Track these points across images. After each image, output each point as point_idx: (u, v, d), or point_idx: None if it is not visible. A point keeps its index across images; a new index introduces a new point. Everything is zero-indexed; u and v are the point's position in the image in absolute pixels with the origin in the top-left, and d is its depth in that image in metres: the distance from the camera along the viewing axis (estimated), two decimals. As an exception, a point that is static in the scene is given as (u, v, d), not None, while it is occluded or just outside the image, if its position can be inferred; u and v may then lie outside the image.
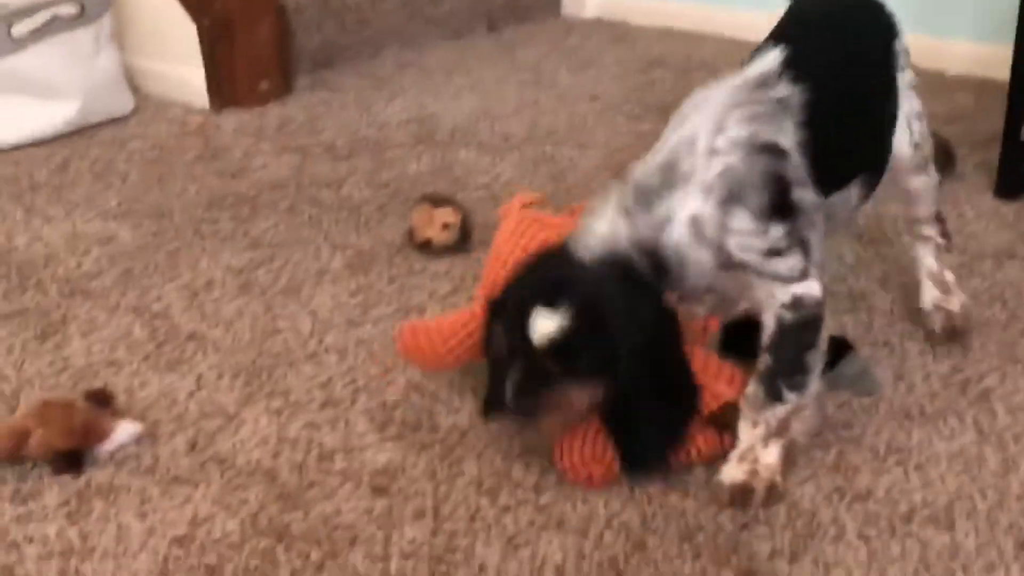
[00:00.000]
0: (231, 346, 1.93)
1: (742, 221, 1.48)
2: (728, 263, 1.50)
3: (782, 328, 1.53)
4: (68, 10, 2.80)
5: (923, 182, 1.84)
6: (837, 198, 1.62)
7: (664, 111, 2.94)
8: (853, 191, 1.67)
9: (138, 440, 1.67)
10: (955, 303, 1.88)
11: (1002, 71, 2.54)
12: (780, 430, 1.55)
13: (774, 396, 1.54)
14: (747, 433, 1.56)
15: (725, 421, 1.58)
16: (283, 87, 3.08)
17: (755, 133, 1.51)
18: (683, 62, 3.33)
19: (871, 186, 1.72)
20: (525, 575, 1.44)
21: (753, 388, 1.55)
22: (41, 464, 1.62)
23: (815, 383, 1.56)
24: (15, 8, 2.73)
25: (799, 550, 1.47)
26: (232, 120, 2.91)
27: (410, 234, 2.24)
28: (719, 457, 1.58)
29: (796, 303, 1.52)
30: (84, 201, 2.46)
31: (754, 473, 1.54)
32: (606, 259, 1.47)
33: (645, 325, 1.47)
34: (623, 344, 1.46)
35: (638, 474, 1.56)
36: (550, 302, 1.45)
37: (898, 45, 1.78)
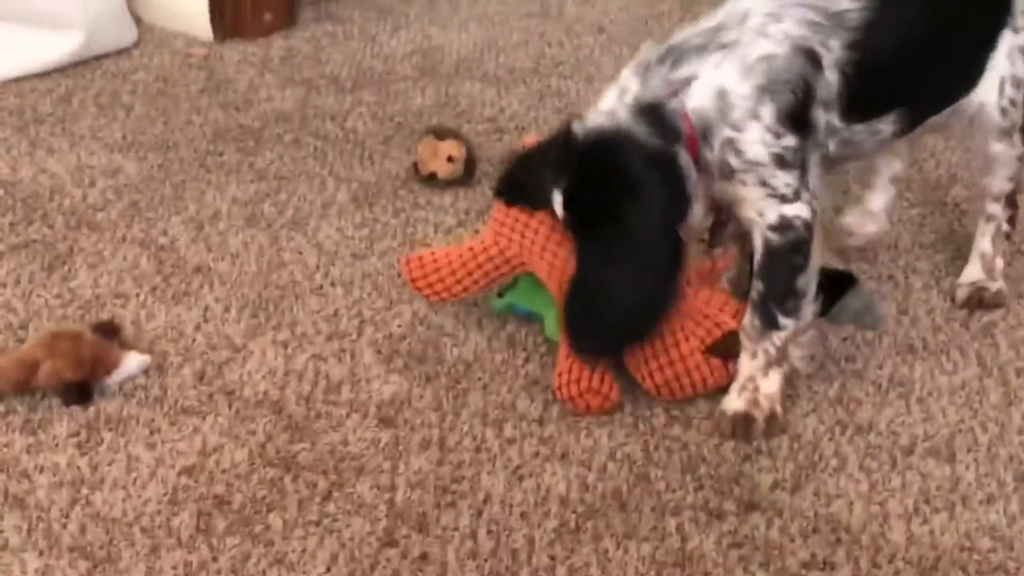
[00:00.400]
0: (237, 278, 1.93)
1: (767, 116, 1.48)
2: (727, 164, 1.50)
3: (769, 251, 1.53)
4: (70, -61, 2.76)
5: (1002, 149, 1.76)
6: (863, 127, 1.60)
7: (671, 43, 2.92)
8: (885, 124, 1.63)
9: (146, 372, 1.69)
10: (993, 287, 1.83)
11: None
12: (779, 358, 1.56)
13: (769, 323, 1.54)
14: (747, 364, 1.57)
15: (728, 350, 1.59)
16: (287, 18, 3.05)
17: (804, 37, 1.51)
18: (690, -6, 3.30)
19: (910, 123, 1.67)
20: (530, 505, 1.46)
21: (749, 318, 1.56)
22: (50, 395, 1.63)
23: (810, 308, 1.56)
24: (17, -63, 2.70)
25: (801, 482, 1.49)
26: (236, 52, 2.89)
27: (415, 167, 2.24)
28: (726, 387, 1.59)
29: (784, 224, 1.51)
30: (89, 133, 2.46)
31: (755, 403, 1.55)
32: (600, 131, 1.49)
33: (632, 191, 1.47)
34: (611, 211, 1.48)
35: (583, 354, 1.56)
36: (555, 183, 1.52)
37: (1019, 2, 1.70)
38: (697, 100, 1.48)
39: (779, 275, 1.53)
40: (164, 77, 2.75)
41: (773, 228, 1.52)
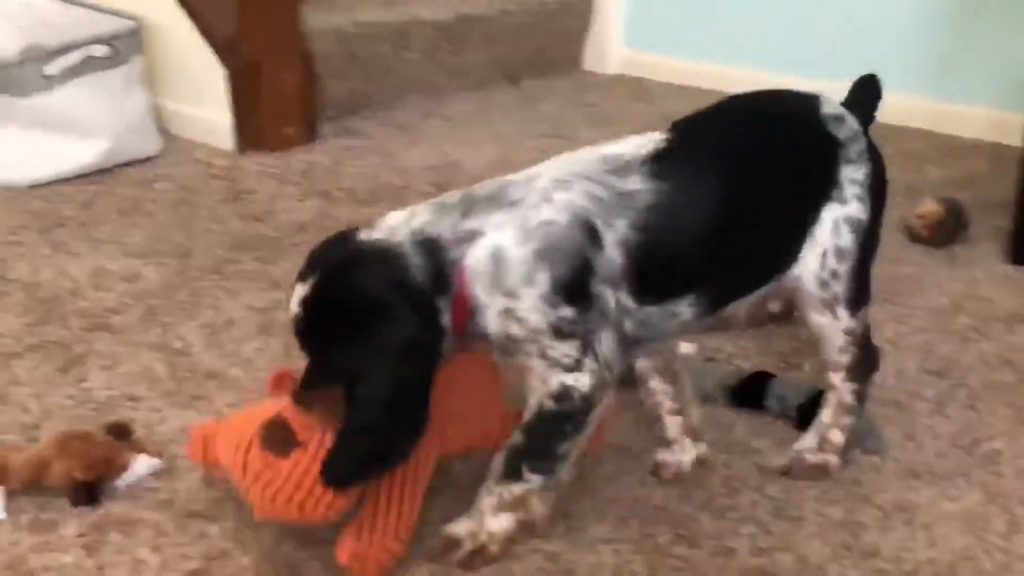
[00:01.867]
0: (249, 385, 1.95)
1: (541, 283, 1.41)
2: (511, 336, 1.43)
3: (540, 414, 1.47)
4: (100, 51, 2.85)
5: (826, 324, 1.65)
6: (657, 310, 1.49)
7: (682, 167, 2.98)
8: (683, 307, 1.51)
9: (155, 475, 1.70)
10: (813, 459, 1.72)
11: (1015, 137, 2.57)
12: (513, 505, 1.50)
13: (514, 475, 1.49)
14: (482, 497, 1.52)
15: (269, 439, 1.48)
16: (308, 133, 3.13)
17: (587, 210, 1.43)
18: (702, 119, 3.37)
19: (712, 307, 1.55)
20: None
21: (497, 460, 1.51)
22: (60, 495, 1.64)
23: (565, 470, 1.51)
24: (49, 48, 2.79)
25: (805, 604, 1.48)
26: (256, 164, 2.96)
27: (428, 280, 2.27)
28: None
29: (562, 394, 1.45)
30: (110, 239, 2.50)
31: (473, 535, 1.51)
32: (374, 243, 1.42)
33: (380, 323, 1.36)
34: (355, 338, 1.36)
35: (332, 481, 1.41)
36: (302, 277, 1.42)
37: (844, 173, 1.61)
38: (474, 259, 1.40)
39: (541, 437, 1.47)
40: (186, 186, 2.81)
41: (552, 395, 1.45)
